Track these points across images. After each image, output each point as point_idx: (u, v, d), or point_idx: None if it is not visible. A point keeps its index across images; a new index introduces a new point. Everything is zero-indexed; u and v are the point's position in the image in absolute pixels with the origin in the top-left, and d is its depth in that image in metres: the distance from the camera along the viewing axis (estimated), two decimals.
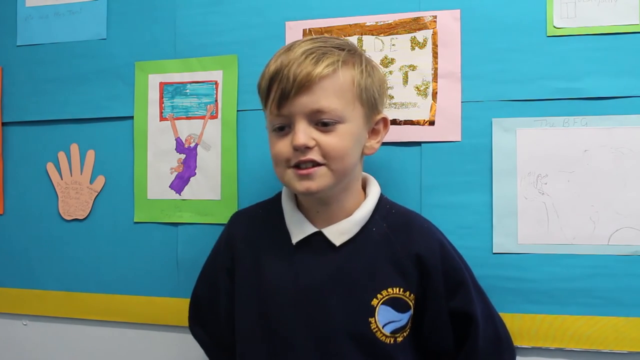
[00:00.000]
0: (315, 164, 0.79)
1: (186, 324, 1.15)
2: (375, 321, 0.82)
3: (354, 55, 0.83)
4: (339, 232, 0.85)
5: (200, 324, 1.03)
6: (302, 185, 0.81)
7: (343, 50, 0.82)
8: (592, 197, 0.99)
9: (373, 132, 0.88)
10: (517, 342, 1.00)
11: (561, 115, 1.00)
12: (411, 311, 0.85)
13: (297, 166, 0.80)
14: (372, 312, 0.82)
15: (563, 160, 1.00)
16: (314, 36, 0.87)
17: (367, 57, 0.87)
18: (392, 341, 0.83)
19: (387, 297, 0.83)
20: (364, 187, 0.91)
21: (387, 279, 0.84)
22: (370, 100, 0.84)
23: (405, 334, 0.85)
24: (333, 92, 0.79)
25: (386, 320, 0.83)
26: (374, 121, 0.86)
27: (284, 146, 0.81)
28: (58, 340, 1.27)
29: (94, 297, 1.23)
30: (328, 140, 0.79)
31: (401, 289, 0.84)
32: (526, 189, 1.01)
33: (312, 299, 0.84)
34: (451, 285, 0.86)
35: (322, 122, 0.79)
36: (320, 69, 0.78)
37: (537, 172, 1.01)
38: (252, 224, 0.94)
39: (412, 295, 0.84)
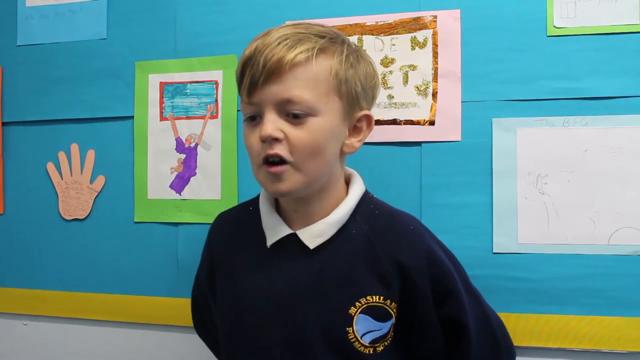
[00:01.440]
0: (283, 160, 0.73)
1: (186, 323, 1.15)
2: (353, 331, 0.76)
3: (334, 43, 0.76)
4: (313, 235, 0.79)
5: (200, 322, 1.02)
6: (271, 187, 0.75)
7: (324, 37, 0.75)
8: (592, 197, 0.99)
9: (354, 129, 0.80)
10: (518, 342, 1.00)
11: (561, 115, 1.00)
12: (393, 320, 0.79)
13: (267, 162, 0.74)
14: (349, 321, 0.76)
15: (563, 160, 1.00)
16: (297, 22, 0.79)
17: (353, 48, 0.79)
18: (371, 351, 0.77)
19: (365, 306, 0.77)
20: (348, 185, 0.85)
21: (366, 286, 0.77)
22: (351, 94, 0.76)
23: (386, 343, 0.79)
24: (305, 81, 0.73)
25: (365, 330, 0.77)
26: (355, 117, 0.79)
27: (254, 139, 0.75)
28: (58, 340, 1.27)
29: (94, 297, 1.23)
30: (297, 133, 0.73)
31: (381, 297, 0.77)
32: (526, 188, 1.01)
33: (287, 306, 0.78)
34: (441, 291, 0.80)
35: (292, 114, 0.73)
36: (291, 55, 0.72)
37: (537, 172, 1.01)
38: (231, 226, 0.90)
39: (393, 303, 0.78)
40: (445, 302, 0.80)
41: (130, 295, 1.21)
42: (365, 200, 0.83)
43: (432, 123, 1.05)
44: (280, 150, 0.73)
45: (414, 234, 0.81)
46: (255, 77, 0.73)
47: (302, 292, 0.78)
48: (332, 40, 0.76)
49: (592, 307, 0.99)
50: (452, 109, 1.04)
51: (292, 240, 0.80)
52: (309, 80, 0.73)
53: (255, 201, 0.88)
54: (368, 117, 0.81)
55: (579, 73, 0.99)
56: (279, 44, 0.72)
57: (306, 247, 0.79)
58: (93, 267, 1.23)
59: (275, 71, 0.72)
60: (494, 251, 1.02)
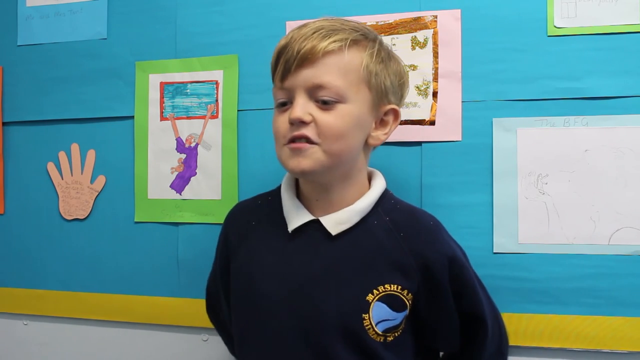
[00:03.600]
0: (310, 141, 0.76)
1: (186, 323, 1.15)
2: (369, 317, 0.78)
3: (367, 38, 0.80)
4: (336, 221, 0.81)
5: (214, 313, 1.03)
6: (293, 162, 0.77)
7: (358, 32, 0.79)
8: (593, 197, 0.99)
9: (381, 122, 0.83)
10: (518, 342, 1.00)
11: (562, 115, 1.00)
12: (407, 311, 0.81)
13: (292, 141, 0.77)
14: (366, 308, 0.78)
15: (563, 160, 1.00)
16: (334, 17, 0.83)
17: (386, 47, 0.83)
18: (382, 339, 0.79)
19: (383, 294, 0.79)
20: (370, 181, 0.88)
21: (386, 274, 0.79)
22: (380, 87, 0.80)
23: (396, 334, 0.81)
24: (337, 69, 0.76)
25: (380, 318, 0.79)
26: (383, 111, 0.82)
27: (282, 122, 0.78)
28: (58, 340, 1.27)
29: (94, 297, 1.23)
30: (325, 117, 0.76)
31: (399, 287, 0.79)
32: (527, 188, 1.01)
33: (305, 290, 0.80)
34: (460, 287, 0.82)
35: (322, 100, 0.76)
36: (325, 43, 0.75)
37: (537, 171, 1.01)
38: (248, 215, 0.91)
39: (410, 294, 0.80)
40: (464, 297, 0.83)
41: (130, 295, 1.21)
42: (387, 195, 0.87)
43: (432, 123, 1.05)
44: (308, 132, 0.76)
45: (435, 230, 0.84)
46: (289, 63, 0.76)
47: (322, 277, 0.80)
48: (365, 36, 0.80)
49: (592, 307, 0.99)
50: (452, 109, 1.04)
51: (314, 227, 0.82)
52: (340, 68, 0.76)
53: (274, 192, 0.91)
54: (395, 112, 0.83)
55: (580, 73, 0.99)
56: (313, 33, 0.76)
57: (327, 233, 0.81)
58: (93, 267, 1.23)
59: (309, 57, 0.75)
60: (494, 251, 1.02)
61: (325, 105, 0.76)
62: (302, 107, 0.76)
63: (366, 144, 0.83)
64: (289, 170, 0.80)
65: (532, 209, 1.01)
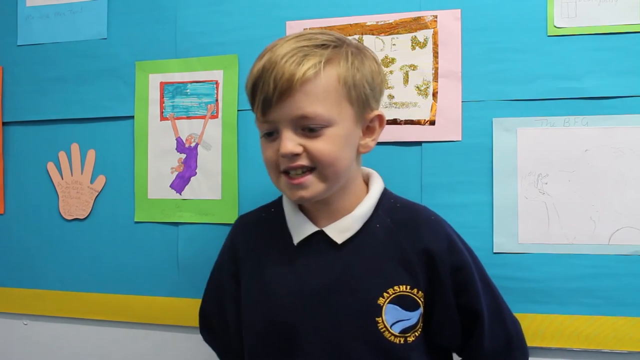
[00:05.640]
0: (306, 168, 0.78)
1: (186, 323, 1.15)
2: (382, 320, 0.79)
3: (339, 51, 0.79)
4: (340, 230, 0.83)
5: (211, 334, 1.01)
6: (294, 195, 0.79)
7: (327, 47, 0.78)
8: (593, 197, 0.99)
9: (368, 129, 0.83)
10: None
11: (562, 115, 1.00)
12: (421, 309, 0.82)
13: (287, 173, 0.78)
14: (378, 311, 0.80)
15: (563, 160, 1.00)
16: (299, 33, 0.82)
17: (355, 49, 0.81)
18: (402, 341, 0.80)
19: (394, 295, 0.80)
20: (368, 183, 0.89)
21: (394, 276, 0.81)
22: (361, 97, 0.79)
23: (417, 334, 0.82)
24: (316, 96, 0.75)
25: (394, 320, 0.80)
26: (368, 119, 0.82)
27: (272, 153, 0.79)
28: (58, 340, 1.27)
29: (94, 297, 1.23)
30: (315, 145, 0.76)
31: (408, 287, 0.81)
32: (527, 188, 1.01)
33: (318, 300, 0.81)
34: (459, 280, 0.83)
35: (308, 128, 0.76)
36: (301, 72, 0.74)
37: (537, 171, 1.01)
38: (254, 228, 0.92)
39: (420, 292, 0.81)
40: (463, 291, 0.83)
41: (130, 295, 1.21)
42: (386, 195, 0.88)
43: (432, 123, 1.05)
44: (302, 161, 0.77)
45: (435, 223, 0.85)
46: (268, 97, 0.76)
47: (331, 286, 0.81)
48: (335, 48, 0.78)
49: (592, 307, 0.99)
50: (452, 109, 1.04)
51: (318, 238, 0.83)
52: (319, 94, 0.76)
53: (276, 202, 0.92)
54: (380, 117, 0.84)
55: (579, 73, 0.99)
56: (286, 61, 0.75)
57: (332, 242, 0.82)
58: (93, 267, 1.23)
59: (287, 90, 0.75)
60: (494, 251, 1.02)
61: (312, 132, 0.76)
62: (291, 140, 0.76)
63: (357, 152, 0.84)
64: (289, 198, 0.84)
65: (532, 209, 1.01)
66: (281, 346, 0.83)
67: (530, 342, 1.00)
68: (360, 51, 0.82)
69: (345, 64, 0.78)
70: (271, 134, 0.79)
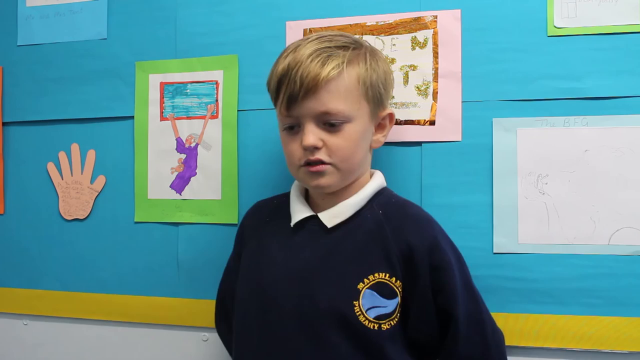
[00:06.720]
0: (323, 162, 0.84)
1: (186, 323, 1.15)
2: (359, 304, 0.83)
3: (359, 52, 0.86)
4: (332, 215, 0.89)
5: (224, 319, 1.04)
6: (313, 182, 0.86)
7: (348, 49, 0.85)
8: (593, 197, 0.99)
9: (379, 126, 0.91)
10: (518, 342, 1.00)
11: (562, 115, 1.00)
12: (398, 299, 0.84)
13: (308, 164, 0.85)
14: (357, 295, 0.83)
15: (563, 160, 1.00)
16: (320, 34, 0.88)
17: (371, 50, 0.89)
18: (375, 327, 0.83)
19: (373, 282, 0.84)
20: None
21: (375, 264, 0.85)
22: (376, 97, 0.87)
23: (392, 323, 0.84)
24: (339, 94, 0.83)
25: (370, 305, 0.83)
26: (380, 116, 0.90)
27: (295, 147, 0.86)
28: (58, 340, 1.27)
29: (94, 297, 1.23)
30: (335, 140, 0.84)
31: (387, 275, 0.84)
32: (527, 188, 1.01)
33: (302, 278, 0.86)
34: (438, 280, 0.85)
35: (329, 123, 0.83)
36: (326, 72, 0.81)
37: (537, 172, 1.01)
38: (262, 211, 0.99)
39: (398, 281, 0.85)
40: (440, 292, 0.85)
41: (130, 295, 1.21)
42: (385, 192, 0.93)
43: (432, 123, 1.05)
44: (321, 155, 0.84)
45: (423, 221, 0.90)
46: (294, 93, 0.82)
47: (316, 265, 0.87)
48: (354, 50, 0.86)
49: (592, 307, 0.99)
50: (452, 109, 1.04)
51: (313, 222, 0.90)
52: (341, 92, 0.83)
53: (288, 193, 0.98)
54: (390, 115, 0.92)
55: (579, 73, 0.99)
56: (311, 61, 0.82)
57: (325, 228, 0.88)
58: (93, 267, 1.23)
59: (312, 88, 0.82)
60: (494, 251, 1.02)
61: (332, 127, 0.84)
62: (313, 134, 0.83)
63: (369, 147, 0.91)
64: (310, 188, 0.91)
65: (532, 209, 1.01)
66: (258, 315, 0.88)
67: (530, 343, 1.01)
68: (375, 53, 0.89)
69: (364, 65, 0.85)
70: (292, 128, 0.86)
